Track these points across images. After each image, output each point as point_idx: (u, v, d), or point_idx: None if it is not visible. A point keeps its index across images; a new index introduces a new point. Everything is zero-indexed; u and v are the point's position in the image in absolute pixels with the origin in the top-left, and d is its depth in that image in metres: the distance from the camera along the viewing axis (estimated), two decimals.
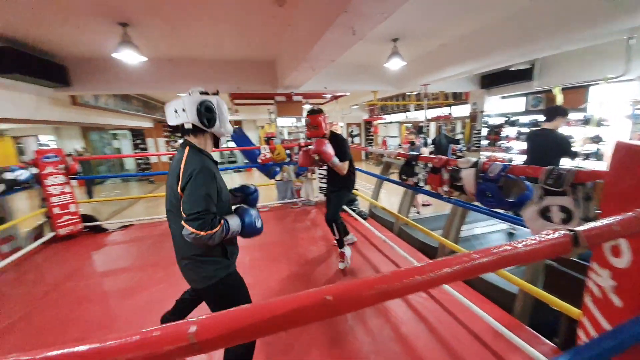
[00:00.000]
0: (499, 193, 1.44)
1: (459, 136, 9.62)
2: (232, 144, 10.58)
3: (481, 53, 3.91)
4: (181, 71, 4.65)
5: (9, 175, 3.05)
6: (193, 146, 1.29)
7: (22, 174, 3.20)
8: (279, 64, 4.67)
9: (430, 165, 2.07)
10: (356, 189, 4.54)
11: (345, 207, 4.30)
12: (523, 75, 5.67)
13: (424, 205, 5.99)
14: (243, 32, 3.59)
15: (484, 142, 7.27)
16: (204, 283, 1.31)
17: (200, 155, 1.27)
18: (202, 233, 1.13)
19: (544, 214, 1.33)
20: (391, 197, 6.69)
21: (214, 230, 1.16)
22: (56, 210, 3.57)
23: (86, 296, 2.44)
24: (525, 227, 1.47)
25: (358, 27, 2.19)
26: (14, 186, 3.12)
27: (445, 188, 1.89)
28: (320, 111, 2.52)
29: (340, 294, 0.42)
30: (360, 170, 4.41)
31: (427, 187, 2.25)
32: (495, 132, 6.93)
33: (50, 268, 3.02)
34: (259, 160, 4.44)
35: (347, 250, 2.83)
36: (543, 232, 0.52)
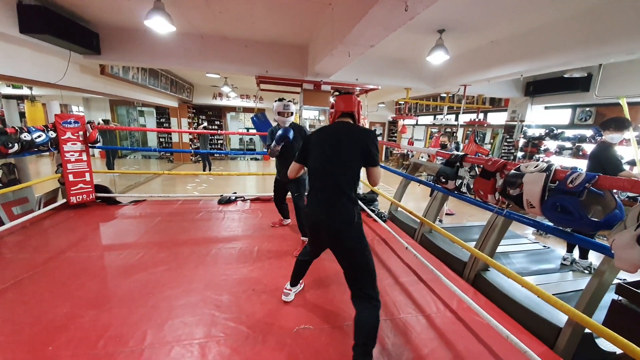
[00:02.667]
0: (579, 209, 1.13)
1: (487, 146, 9.06)
2: (252, 131, 10.48)
3: (538, 53, 3.50)
4: (211, 49, 4.50)
5: (26, 137, 2.98)
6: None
7: (40, 137, 3.14)
8: (312, 47, 4.42)
9: (477, 168, 1.76)
10: (377, 188, 4.27)
11: (364, 206, 4.03)
12: (576, 84, 5.14)
13: (447, 214, 5.61)
14: (278, 10, 3.36)
15: (519, 155, 6.74)
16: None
17: None
18: None
19: None
20: (408, 202, 6.33)
21: None
22: (71, 177, 3.51)
23: (84, 269, 2.31)
24: (599, 251, 1.16)
25: (412, 2, 1.89)
26: (30, 148, 3.05)
27: (497, 196, 1.58)
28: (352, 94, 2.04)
29: None
30: (386, 168, 4.13)
31: (467, 194, 1.93)
32: (533, 145, 6.39)
33: (55, 235, 2.95)
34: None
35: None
36: None
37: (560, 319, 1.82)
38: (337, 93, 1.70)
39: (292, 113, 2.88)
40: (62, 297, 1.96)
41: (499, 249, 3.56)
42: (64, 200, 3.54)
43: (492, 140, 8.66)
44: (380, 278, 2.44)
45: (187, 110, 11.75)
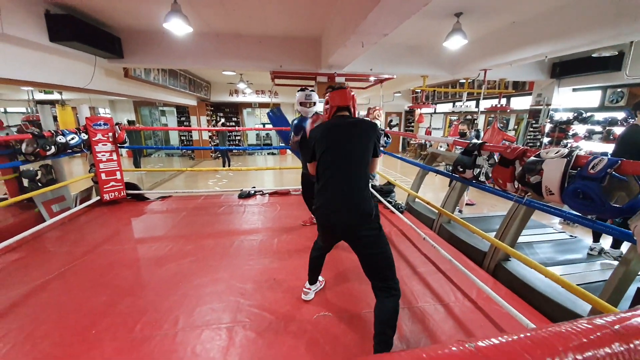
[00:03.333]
0: (601, 195, 1.11)
1: (511, 133, 8.68)
2: (268, 126, 10.60)
3: (563, 33, 3.32)
4: (226, 47, 4.60)
5: (61, 139, 3.21)
6: None
7: (74, 139, 3.36)
8: (325, 40, 4.41)
9: (496, 156, 1.73)
10: (394, 180, 4.24)
11: (381, 198, 4.03)
12: (606, 63, 4.82)
13: (467, 204, 5.49)
14: (290, 3, 3.38)
15: (546, 140, 6.44)
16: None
17: None
18: None
19: None
20: (427, 193, 6.24)
21: None
22: (103, 176, 3.75)
23: (120, 261, 2.50)
24: (622, 238, 1.13)
25: None
26: (65, 150, 3.28)
27: (516, 184, 1.56)
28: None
29: None
30: (402, 159, 4.10)
31: (487, 183, 1.91)
32: (561, 129, 6.08)
33: (91, 230, 3.18)
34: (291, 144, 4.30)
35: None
36: None
37: (584, 309, 1.79)
38: (330, 89, 1.69)
39: (314, 103, 2.80)
40: (101, 286, 2.14)
41: (523, 239, 3.48)
42: (98, 198, 3.79)
43: (516, 126, 8.31)
44: (398, 268, 2.46)
45: (205, 108, 12.06)
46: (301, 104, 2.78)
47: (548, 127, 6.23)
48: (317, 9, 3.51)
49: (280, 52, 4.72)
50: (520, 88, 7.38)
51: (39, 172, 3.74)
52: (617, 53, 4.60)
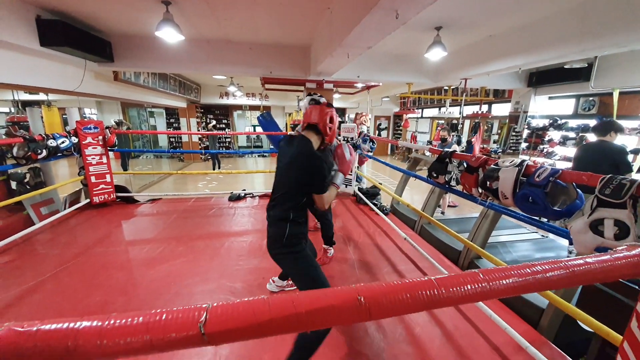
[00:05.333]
0: (544, 200, 1.29)
1: (494, 137, 9.06)
2: (259, 129, 10.69)
3: (534, 47, 3.57)
4: (217, 53, 4.70)
5: (52, 143, 3.25)
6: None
7: (64, 142, 3.41)
8: (314, 49, 4.57)
9: (465, 164, 1.92)
10: (380, 183, 4.43)
11: (367, 200, 4.21)
12: (577, 74, 5.15)
13: (449, 206, 5.73)
14: (280, 15, 3.52)
15: (524, 145, 6.78)
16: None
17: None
18: None
19: (595, 227, 1.18)
20: (414, 195, 6.48)
21: None
22: (93, 179, 3.79)
23: (112, 262, 2.58)
24: (563, 237, 1.32)
25: (402, 10, 2.04)
26: (56, 153, 3.33)
27: (480, 190, 1.74)
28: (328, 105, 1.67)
29: (374, 297, 0.35)
30: (385, 163, 4.29)
31: (459, 187, 2.10)
32: (537, 135, 6.42)
33: (82, 233, 3.23)
34: None
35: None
36: (618, 247, 0.42)
37: (544, 302, 1.99)
38: (312, 101, 1.64)
39: None
40: (95, 287, 2.22)
41: (499, 239, 3.71)
42: (87, 200, 3.83)
43: (499, 131, 8.68)
44: (380, 266, 2.65)
45: (195, 110, 12.05)
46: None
47: (525, 132, 6.56)
48: (306, 20, 3.66)
49: (270, 58, 4.85)
50: (500, 95, 7.74)
51: (27, 175, 3.76)
52: (586, 65, 4.94)
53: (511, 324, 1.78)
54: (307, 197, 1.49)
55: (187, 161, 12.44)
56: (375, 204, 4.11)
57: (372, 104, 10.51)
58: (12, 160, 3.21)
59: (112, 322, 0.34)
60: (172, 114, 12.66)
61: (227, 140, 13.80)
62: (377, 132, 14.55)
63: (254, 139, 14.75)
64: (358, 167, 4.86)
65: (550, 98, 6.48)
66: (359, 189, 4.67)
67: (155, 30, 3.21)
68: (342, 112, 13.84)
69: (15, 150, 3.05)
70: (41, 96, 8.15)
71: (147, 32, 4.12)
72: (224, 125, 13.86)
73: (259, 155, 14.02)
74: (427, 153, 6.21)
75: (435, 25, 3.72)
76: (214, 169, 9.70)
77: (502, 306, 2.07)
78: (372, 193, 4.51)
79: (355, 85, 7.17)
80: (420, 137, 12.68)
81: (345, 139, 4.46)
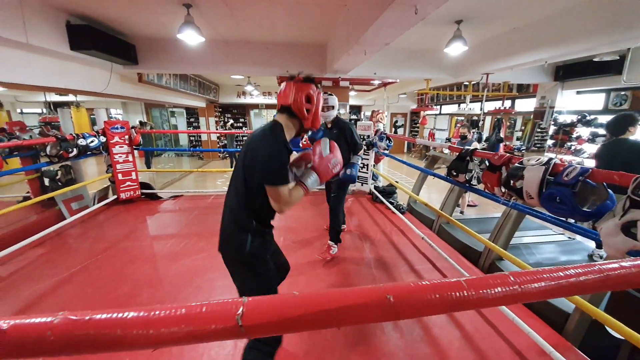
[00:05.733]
0: (573, 200, 1.24)
1: (518, 134, 8.72)
2: None
3: (562, 39, 3.41)
4: (235, 53, 4.79)
5: (82, 142, 3.43)
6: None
7: (93, 142, 3.59)
8: (330, 47, 4.57)
9: (487, 162, 1.87)
10: (396, 181, 4.39)
11: (383, 199, 4.17)
12: (608, 67, 4.87)
13: (469, 205, 5.58)
14: (296, 13, 3.54)
15: (550, 142, 6.49)
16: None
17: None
18: None
19: (628, 229, 1.12)
20: (432, 194, 6.36)
21: None
22: (119, 176, 3.97)
23: (138, 256, 2.71)
24: (592, 239, 1.27)
25: (422, 5, 2.00)
26: (85, 152, 3.51)
27: (503, 189, 1.69)
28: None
29: (403, 296, 0.36)
30: (402, 161, 4.23)
31: (480, 186, 2.05)
32: (564, 132, 6.12)
33: (110, 227, 3.40)
34: (301, 145, 4.46)
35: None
36: None
37: (570, 306, 1.91)
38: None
39: (333, 107, 2.64)
40: (122, 279, 2.34)
41: (522, 240, 3.59)
42: (115, 197, 4.02)
43: (523, 127, 8.35)
44: (397, 265, 2.63)
45: (213, 110, 12.34)
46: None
47: (552, 129, 6.28)
48: (323, 19, 3.66)
49: (287, 57, 4.89)
50: (524, 90, 7.42)
51: (59, 172, 3.98)
52: (618, 57, 4.65)
53: (534, 327, 1.73)
54: (265, 196, 1.19)
55: (206, 159, 12.76)
56: (391, 203, 4.07)
57: (388, 101, 10.35)
58: (45, 159, 3.42)
59: (156, 313, 0.36)
60: (192, 114, 13.01)
61: (244, 138, 14.04)
62: (393, 129, 14.34)
63: None
64: (374, 165, 4.82)
65: (578, 93, 6.16)
66: (375, 187, 4.64)
67: (177, 33, 3.31)
68: (357, 109, 13.74)
69: (48, 149, 3.25)
70: (70, 97, 8.60)
71: (169, 34, 4.25)
72: (241, 124, 14.10)
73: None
74: (446, 151, 6.06)
75: (456, 19, 3.62)
76: (231, 167, 9.90)
77: (524, 309, 2.01)
78: (389, 191, 4.47)
79: (371, 82, 7.10)
80: (438, 135, 12.39)
81: (362, 136, 4.43)
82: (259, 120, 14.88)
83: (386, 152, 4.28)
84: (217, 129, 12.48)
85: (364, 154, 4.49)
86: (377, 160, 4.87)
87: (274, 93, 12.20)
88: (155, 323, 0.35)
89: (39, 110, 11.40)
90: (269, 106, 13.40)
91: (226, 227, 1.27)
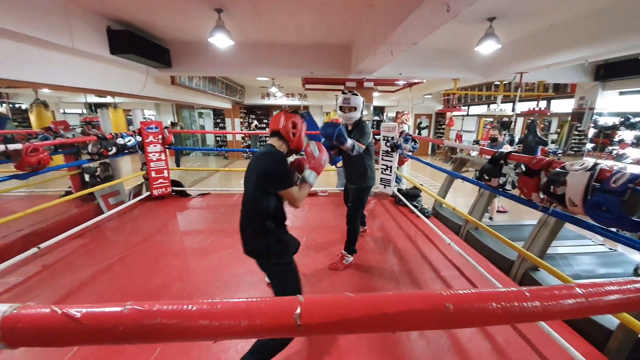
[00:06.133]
0: (620, 209, 1.15)
1: (553, 136, 8.23)
2: None
3: (603, 37, 3.18)
4: (262, 55, 4.90)
5: (120, 141, 3.65)
6: None
7: (131, 141, 3.80)
8: (355, 47, 4.55)
9: (523, 166, 1.78)
10: (421, 184, 4.28)
11: (406, 202, 4.09)
12: None
13: (499, 211, 5.34)
14: (323, 14, 3.56)
15: (589, 146, 6.06)
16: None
17: None
18: None
19: None
20: (457, 198, 6.14)
21: None
22: (153, 174, 4.18)
23: (169, 250, 2.83)
24: None
25: (454, 3, 1.94)
26: (123, 150, 3.73)
27: (541, 195, 1.60)
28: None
29: (461, 304, 0.35)
30: (428, 164, 4.12)
31: (514, 192, 1.95)
32: (605, 135, 5.70)
33: (144, 222, 3.59)
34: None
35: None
36: None
37: (613, 323, 1.77)
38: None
39: (354, 108, 2.48)
40: (155, 272, 2.46)
41: (557, 250, 3.38)
42: (148, 193, 4.24)
43: (559, 130, 7.87)
44: (421, 271, 2.56)
45: (239, 111, 12.69)
46: (340, 108, 2.52)
47: (592, 132, 5.86)
48: (348, 19, 3.65)
49: (312, 59, 4.93)
50: (561, 90, 6.99)
51: (98, 169, 4.26)
52: None
53: (572, 343, 1.62)
54: (278, 202, 1.47)
55: (231, 159, 13.13)
56: (415, 206, 3.98)
57: (412, 102, 10.12)
58: (86, 156, 3.66)
59: (219, 306, 0.38)
60: (218, 115, 13.46)
61: (267, 138, 14.31)
62: (417, 131, 14.02)
63: None
64: (398, 167, 4.74)
65: (621, 93, 5.71)
66: (398, 190, 4.56)
67: (209, 37, 3.43)
68: (380, 110, 13.56)
69: (90, 147, 3.48)
70: (108, 99, 9.17)
71: (200, 38, 4.42)
72: (264, 125, 14.38)
73: (295, 154, 14.31)
74: (473, 153, 5.83)
75: (488, 16, 3.48)
76: None
77: (561, 322, 1.89)
78: (412, 194, 4.37)
79: (396, 82, 6.99)
80: (465, 137, 11.95)
81: (386, 138, 4.36)
82: None
83: (410, 154, 4.19)
84: (241, 130, 12.82)
85: (386, 156, 4.42)
86: (400, 162, 4.78)
87: (297, 94, 12.34)
88: (218, 316, 0.37)
89: (80, 111, 12.23)
90: (291, 107, 13.56)
91: (252, 242, 1.52)
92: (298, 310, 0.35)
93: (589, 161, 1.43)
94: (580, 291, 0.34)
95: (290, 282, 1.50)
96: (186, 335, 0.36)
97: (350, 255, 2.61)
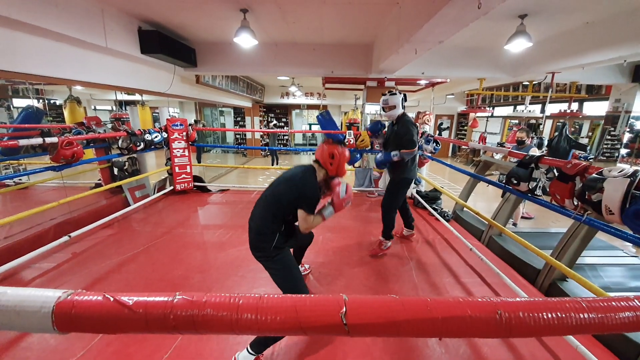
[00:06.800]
0: None
1: (583, 140, 7.79)
2: (314, 127, 10.92)
3: None
4: (284, 55, 4.95)
5: (148, 137, 3.80)
6: None
7: (157, 137, 3.95)
8: (377, 46, 4.50)
9: (556, 170, 1.70)
10: (441, 187, 4.17)
11: (426, 204, 4.00)
12: None
13: (523, 217, 5.12)
14: (346, 13, 3.55)
15: (623, 152, 5.70)
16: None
17: None
18: None
19: None
20: (477, 202, 5.94)
21: None
22: (177, 169, 4.33)
23: (191, 243, 2.92)
24: None
25: None
26: (150, 146, 3.88)
27: (575, 202, 1.52)
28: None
29: (514, 312, 0.33)
30: (451, 166, 4.01)
31: (544, 197, 1.86)
32: None
33: (167, 215, 3.72)
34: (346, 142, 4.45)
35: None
36: None
37: None
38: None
39: (394, 106, 2.68)
40: (177, 263, 2.54)
41: (585, 260, 3.20)
42: (171, 187, 4.39)
43: (590, 134, 7.45)
44: (441, 276, 2.51)
45: (258, 110, 12.89)
46: (382, 109, 2.80)
47: (627, 137, 5.50)
48: (371, 18, 3.62)
49: (332, 58, 4.92)
50: (595, 92, 6.61)
51: (126, 163, 4.45)
52: None
53: (601, 358, 1.53)
54: (294, 217, 1.71)
55: (249, 156, 13.37)
56: (435, 209, 3.89)
57: (434, 102, 9.86)
58: (116, 151, 3.84)
59: (265, 302, 0.39)
60: (239, 113, 13.75)
61: (285, 137, 14.44)
62: (437, 132, 13.68)
63: (309, 137, 15.16)
64: (418, 169, 4.64)
65: None
66: (417, 192, 4.47)
67: (234, 37, 3.50)
68: None
69: (120, 142, 3.65)
70: (136, 97, 9.56)
71: (225, 38, 4.52)
72: (283, 124, 14.53)
73: (313, 153, 14.37)
74: (497, 156, 5.60)
75: (520, 13, 3.34)
76: (272, 165, 10.24)
77: (589, 336, 1.78)
78: (432, 197, 4.27)
79: (418, 82, 6.84)
80: (490, 139, 11.53)
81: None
82: (299, 120, 15.19)
83: (431, 155, 4.10)
84: (260, 128, 13.01)
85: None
86: (420, 163, 4.68)
87: (315, 94, 12.36)
88: (265, 310, 0.37)
89: (109, 108, 12.83)
90: (310, 106, 13.63)
91: (256, 233, 1.72)
92: (344, 310, 0.35)
93: (628, 167, 1.34)
94: (639, 303, 0.32)
95: (289, 274, 1.72)
96: (233, 328, 0.37)
97: (387, 241, 2.80)
